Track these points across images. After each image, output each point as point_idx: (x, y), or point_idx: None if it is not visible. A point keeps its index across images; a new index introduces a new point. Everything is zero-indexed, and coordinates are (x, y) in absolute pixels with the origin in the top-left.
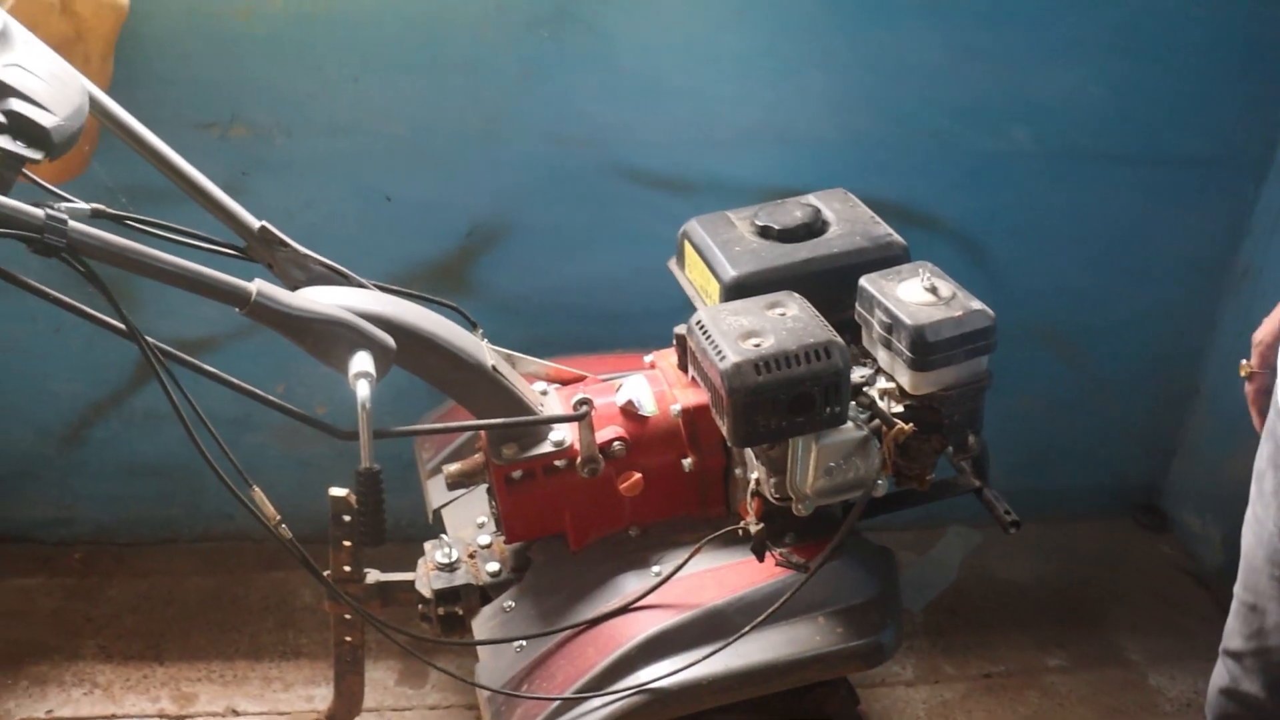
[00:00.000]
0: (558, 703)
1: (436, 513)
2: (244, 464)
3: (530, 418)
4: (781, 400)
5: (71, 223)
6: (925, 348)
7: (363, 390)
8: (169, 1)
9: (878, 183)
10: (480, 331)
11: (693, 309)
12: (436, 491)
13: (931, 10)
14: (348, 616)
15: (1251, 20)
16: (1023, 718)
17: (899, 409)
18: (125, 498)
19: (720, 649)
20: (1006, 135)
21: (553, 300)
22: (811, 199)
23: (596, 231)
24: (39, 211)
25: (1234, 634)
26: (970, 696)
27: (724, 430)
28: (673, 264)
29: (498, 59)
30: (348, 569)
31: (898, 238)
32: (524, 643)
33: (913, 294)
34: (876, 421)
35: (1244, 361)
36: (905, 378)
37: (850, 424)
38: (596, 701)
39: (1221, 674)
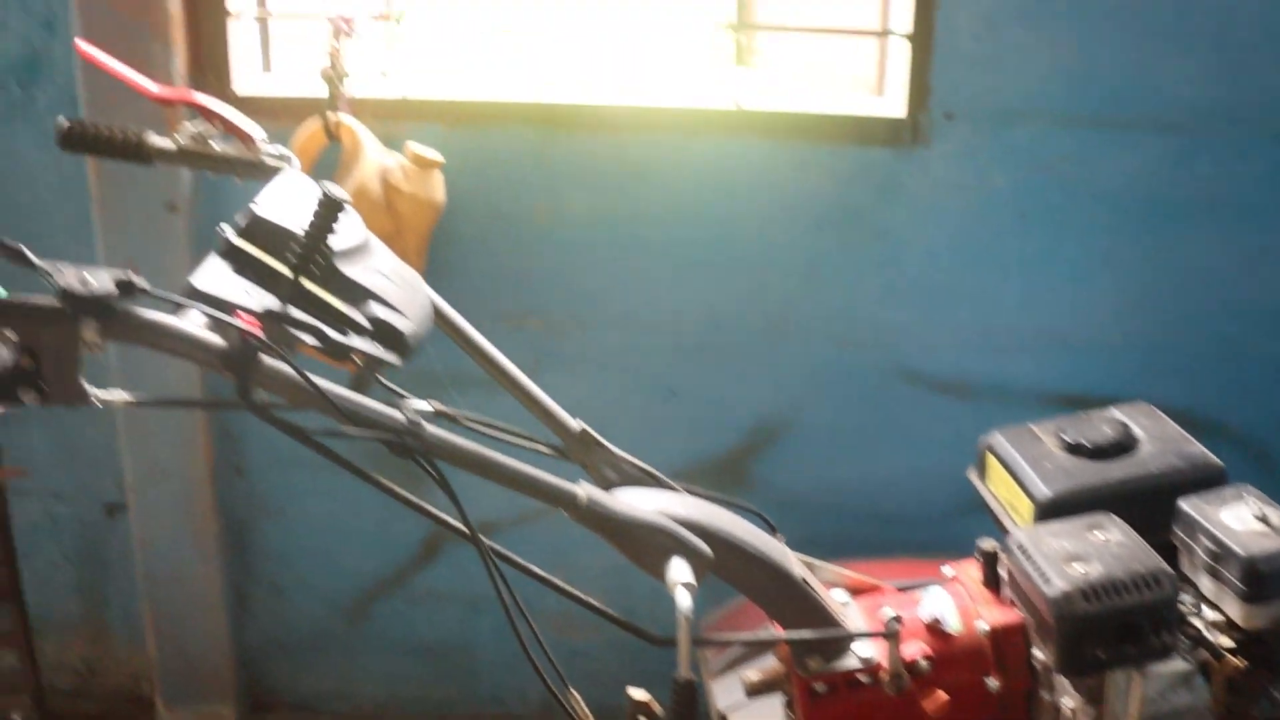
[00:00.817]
0: None
1: (722, 716)
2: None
3: (841, 631)
4: (1110, 629)
5: (428, 427)
6: (1260, 580)
7: (683, 599)
8: (474, 200)
9: (1164, 389)
10: (782, 537)
11: (977, 517)
12: (723, 692)
13: (1216, 211)
14: None
15: None
16: None
17: (1228, 642)
18: (403, 675)
19: None
20: None
21: (830, 500)
22: (1116, 413)
23: (876, 432)
24: (401, 416)
25: None
26: None
27: (1046, 657)
28: (972, 474)
29: (784, 259)
30: None
31: (1214, 458)
32: None
33: (1240, 521)
34: (1204, 654)
35: None
36: (1235, 610)
37: (1176, 656)
38: None
39: None
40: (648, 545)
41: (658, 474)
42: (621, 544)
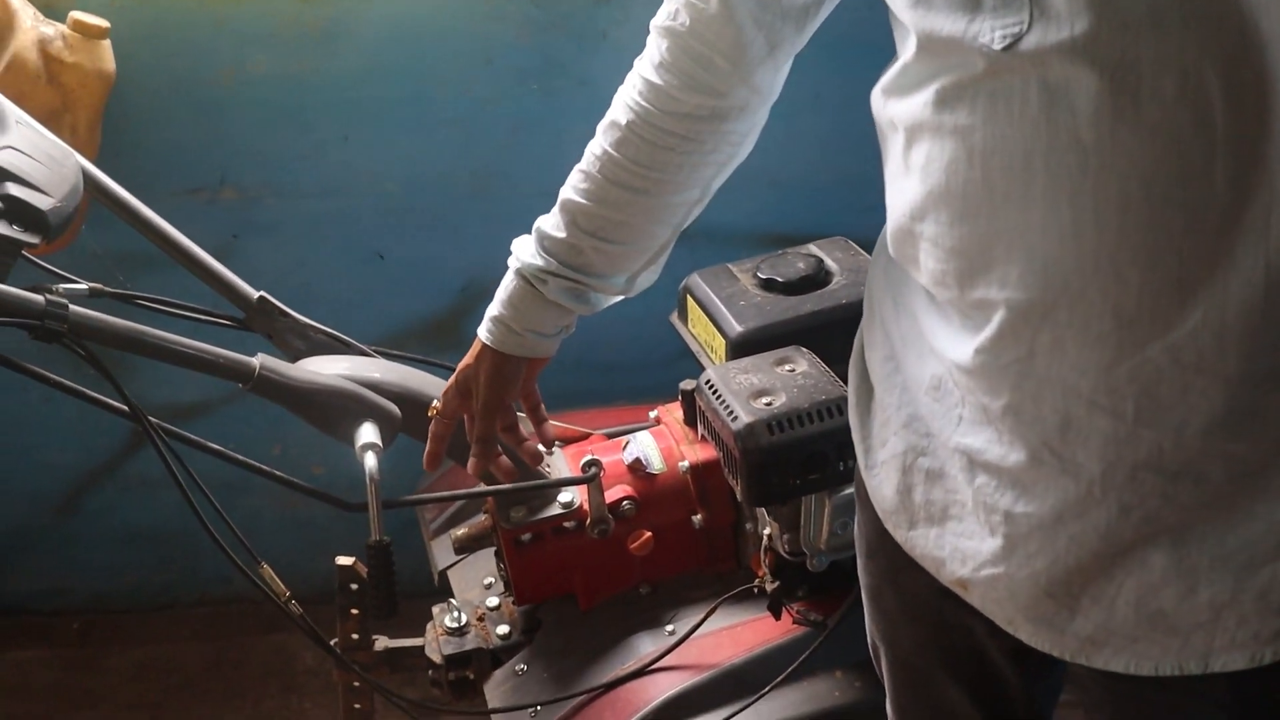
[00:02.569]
0: None
1: (442, 574)
2: (241, 527)
3: (539, 481)
4: (796, 459)
5: (72, 307)
6: None
7: (370, 462)
8: (153, 68)
9: (872, 225)
10: None
11: (691, 361)
12: (441, 553)
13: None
14: (357, 685)
15: None
16: None
17: None
18: (121, 566)
19: (740, 709)
20: None
21: None
22: (813, 249)
23: None
24: (39, 298)
25: None
26: None
27: (737, 490)
28: (674, 318)
29: (487, 114)
30: (355, 637)
31: None
32: (539, 707)
33: None
34: None
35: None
36: None
37: None
38: None
39: None
40: (333, 411)
41: (347, 339)
42: (307, 413)
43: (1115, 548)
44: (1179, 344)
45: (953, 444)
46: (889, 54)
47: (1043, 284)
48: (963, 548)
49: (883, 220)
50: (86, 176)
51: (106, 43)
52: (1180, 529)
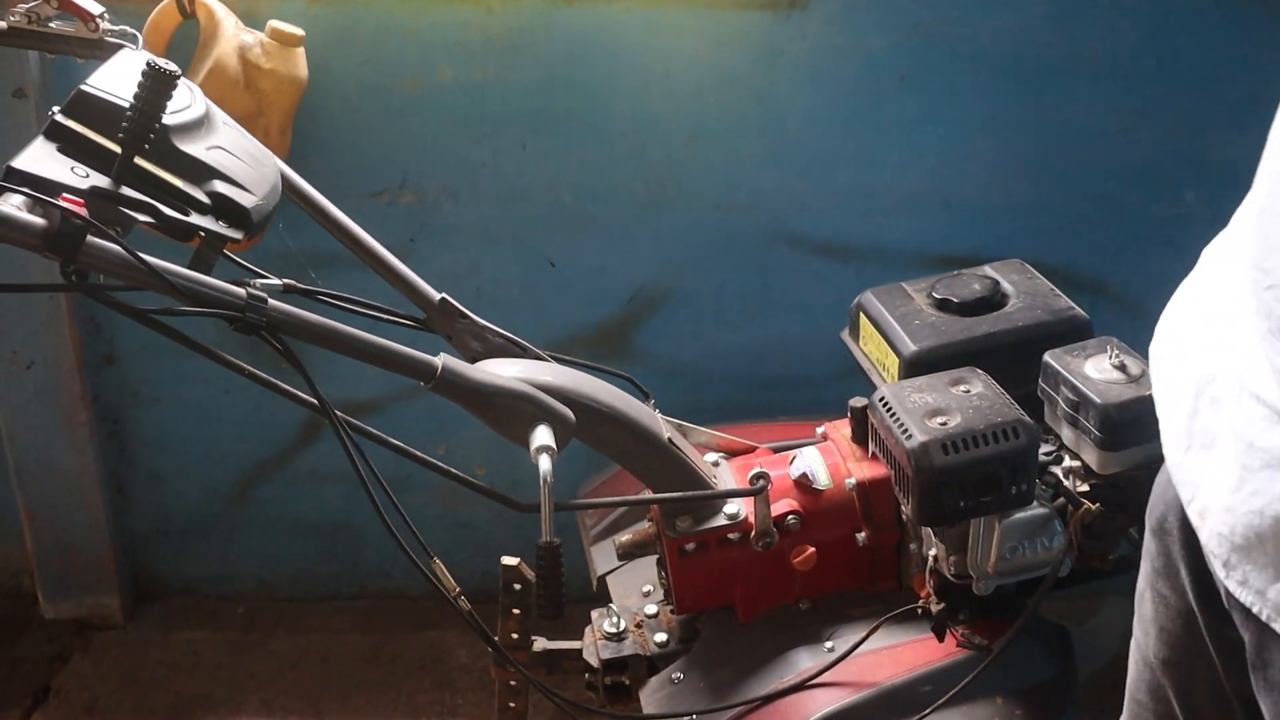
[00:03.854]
0: None
1: (601, 580)
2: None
3: (707, 492)
4: (969, 480)
5: (271, 301)
6: (1114, 427)
7: (544, 464)
8: (342, 75)
9: (1045, 249)
10: (653, 402)
11: (862, 378)
12: (601, 558)
13: (1097, 73)
14: (514, 683)
15: None
16: None
17: (1085, 488)
18: (286, 555)
19: None
20: (1176, 199)
21: (714, 367)
22: (989, 270)
23: (759, 298)
24: (241, 291)
25: None
26: None
27: (907, 509)
28: (845, 335)
29: (663, 126)
30: (515, 636)
31: (1080, 311)
32: (695, 717)
33: (1100, 371)
34: (1061, 500)
35: None
36: (1092, 456)
37: (1035, 503)
38: None
39: None
40: (510, 413)
41: (523, 343)
42: (484, 414)
43: None
44: None
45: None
46: (1062, 78)
47: None
48: (1215, 475)
49: (1056, 246)
50: (283, 177)
51: (301, 50)
52: None
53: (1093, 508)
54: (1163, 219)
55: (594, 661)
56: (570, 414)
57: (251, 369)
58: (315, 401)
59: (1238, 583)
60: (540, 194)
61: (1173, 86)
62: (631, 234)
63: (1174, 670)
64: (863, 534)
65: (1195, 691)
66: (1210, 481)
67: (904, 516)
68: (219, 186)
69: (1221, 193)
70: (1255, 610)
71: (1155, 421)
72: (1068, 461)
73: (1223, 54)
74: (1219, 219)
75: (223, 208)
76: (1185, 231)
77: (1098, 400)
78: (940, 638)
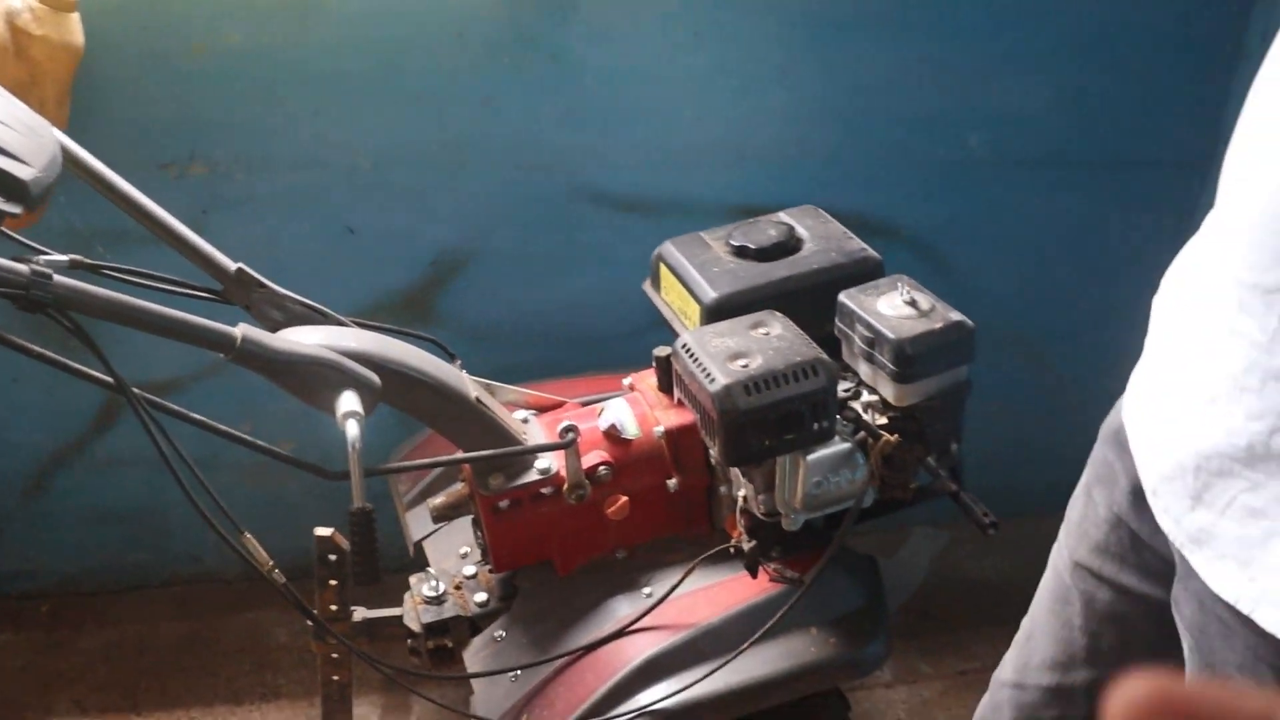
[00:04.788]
0: None
1: (418, 545)
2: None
3: (518, 448)
4: (771, 419)
5: (57, 277)
6: (908, 360)
7: (352, 430)
8: (123, 42)
9: (839, 196)
10: (459, 363)
11: (665, 330)
12: (416, 524)
13: (884, 24)
14: (335, 655)
15: (1191, 23)
16: None
17: (883, 421)
18: (90, 547)
19: (718, 667)
20: (962, 144)
21: (521, 326)
22: (784, 217)
23: (562, 256)
24: (23, 267)
25: (1007, 664)
26: (948, 694)
27: (714, 451)
28: (647, 286)
29: (459, 87)
30: (334, 608)
31: (872, 252)
32: (519, 672)
33: (893, 308)
34: (862, 434)
35: None
36: (889, 390)
37: (837, 438)
38: None
39: (985, 702)
40: (314, 380)
41: (325, 309)
42: (287, 383)
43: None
44: None
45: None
46: (850, 30)
47: None
48: (1158, 409)
49: (850, 193)
50: (63, 149)
51: (75, 15)
52: None
53: (891, 439)
54: (948, 163)
55: (415, 626)
56: (375, 378)
57: (39, 350)
58: (111, 380)
59: (1161, 510)
60: (337, 160)
61: (954, 37)
62: (431, 197)
63: (1085, 576)
64: (674, 480)
65: (1097, 600)
66: (1153, 415)
67: (712, 460)
68: None
69: (1001, 137)
70: (1171, 537)
71: (945, 353)
72: (866, 396)
73: (1001, 5)
74: (1001, 162)
75: None
76: (969, 175)
77: (891, 335)
78: (753, 575)
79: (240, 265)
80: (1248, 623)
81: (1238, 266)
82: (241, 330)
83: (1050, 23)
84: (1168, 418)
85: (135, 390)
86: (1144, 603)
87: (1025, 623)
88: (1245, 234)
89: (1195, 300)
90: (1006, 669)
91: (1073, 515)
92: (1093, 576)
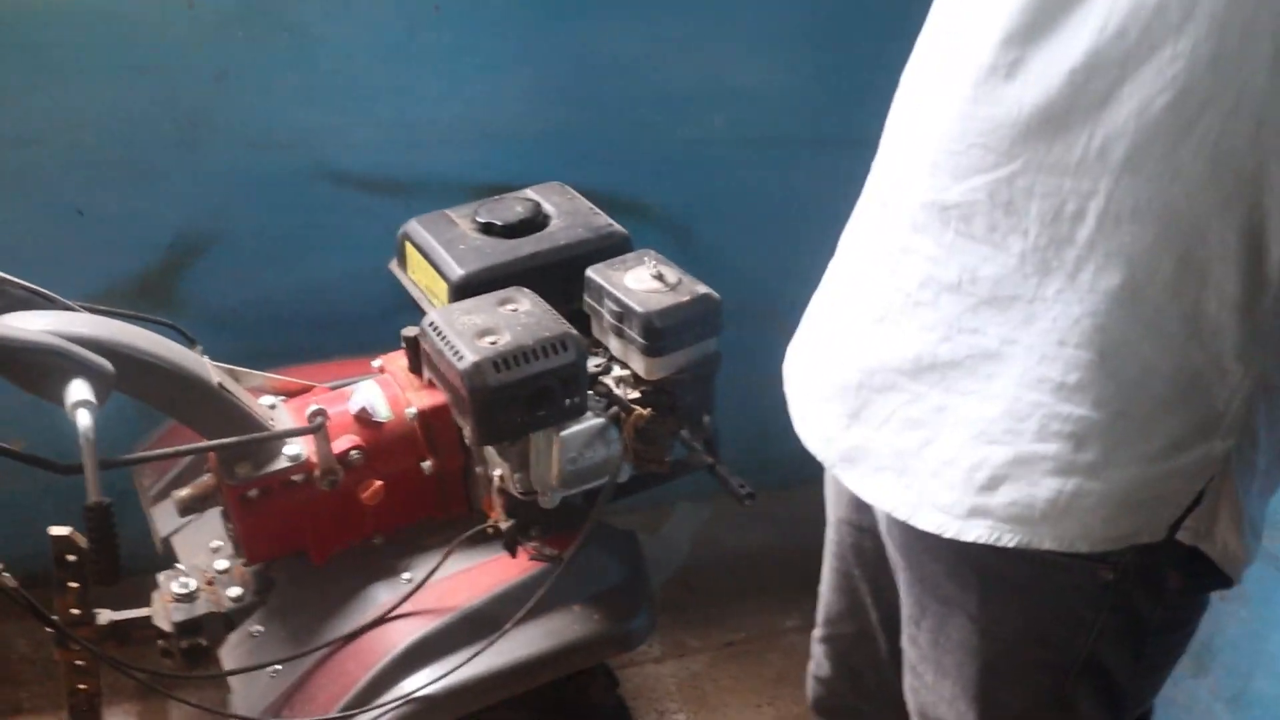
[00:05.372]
0: None
1: (165, 541)
2: None
3: (264, 433)
4: (522, 396)
5: None
6: (656, 334)
7: (84, 420)
8: None
9: (585, 174)
10: (200, 348)
11: (415, 311)
12: (163, 519)
13: (625, 3)
14: (81, 663)
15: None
16: (768, 679)
17: (635, 395)
18: None
19: (482, 649)
20: (705, 123)
21: (264, 311)
22: (530, 193)
23: (305, 238)
24: None
25: (817, 624)
26: (716, 665)
27: (466, 430)
28: (394, 266)
29: (190, 60)
30: (76, 611)
31: (619, 227)
32: (279, 667)
33: (640, 282)
34: (615, 409)
35: None
36: (639, 364)
37: (590, 413)
38: (362, 718)
39: (811, 662)
40: (39, 370)
41: (49, 293)
42: (9, 373)
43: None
44: None
45: None
46: (594, 8)
47: None
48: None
49: (597, 171)
50: None
51: None
52: (946, 380)
53: (644, 413)
54: (693, 141)
55: (166, 626)
56: (108, 365)
57: None
58: None
59: (808, 433)
60: (58, 136)
61: (697, 18)
62: (165, 176)
63: (846, 529)
64: (428, 463)
65: (864, 548)
66: (812, 344)
67: (467, 440)
68: None
69: (744, 117)
70: (821, 457)
71: (694, 326)
72: (617, 371)
73: None
74: (742, 141)
75: None
76: (713, 153)
77: (639, 309)
78: (513, 554)
79: None
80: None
81: (917, 190)
82: None
83: (784, 4)
84: (828, 343)
85: None
86: None
87: (821, 582)
88: (925, 160)
89: (864, 234)
90: (817, 628)
91: (828, 477)
92: (854, 528)
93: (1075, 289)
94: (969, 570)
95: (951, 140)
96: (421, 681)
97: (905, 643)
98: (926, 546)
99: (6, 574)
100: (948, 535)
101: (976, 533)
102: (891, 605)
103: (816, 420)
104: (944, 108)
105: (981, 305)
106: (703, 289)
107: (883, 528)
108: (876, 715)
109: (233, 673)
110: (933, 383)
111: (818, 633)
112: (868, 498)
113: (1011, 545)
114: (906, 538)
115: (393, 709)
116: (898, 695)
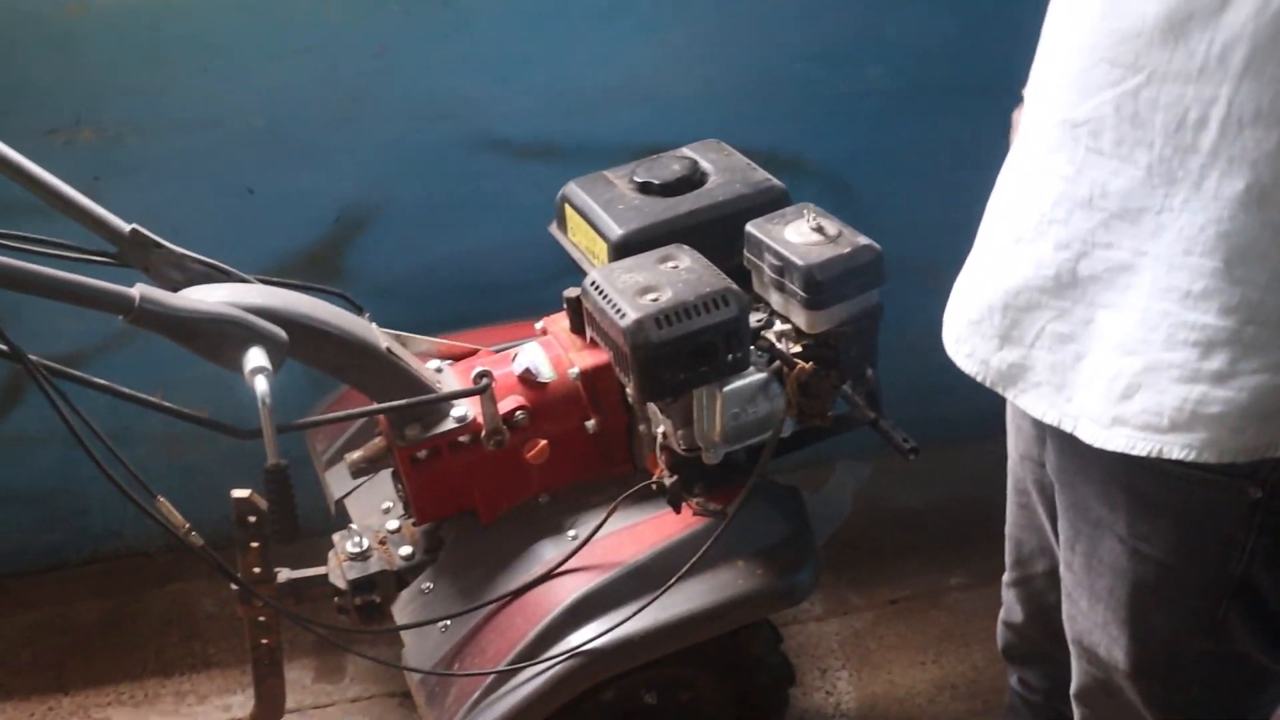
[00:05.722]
0: (492, 677)
1: (339, 503)
2: (129, 478)
3: (431, 395)
4: (684, 352)
5: None
6: (817, 286)
7: (261, 386)
8: None
9: (742, 132)
10: (368, 315)
11: (577, 273)
12: (336, 482)
13: None
14: (263, 619)
15: None
16: (932, 637)
17: (797, 349)
18: (3, 528)
19: (647, 604)
20: (862, 75)
21: (429, 278)
22: (687, 151)
23: (466, 206)
24: None
25: (1007, 569)
26: (880, 623)
27: (629, 387)
28: (554, 228)
29: (349, 38)
30: (258, 570)
31: (777, 182)
32: (449, 622)
33: (800, 235)
34: (777, 363)
35: None
36: (801, 318)
37: (752, 368)
38: (530, 671)
39: (1002, 610)
40: (219, 339)
41: (226, 267)
42: (192, 343)
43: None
44: None
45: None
46: None
47: None
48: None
49: (754, 128)
50: None
51: None
52: (1089, 294)
53: (806, 366)
54: (849, 95)
55: (341, 584)
56: (282, 333)
57: None
58: (5, 349)
59: (966, 355)
60: (229, 119)
61: None
62: (330, 152)
63: (1030, 467)
64: (592, 421)
65: (1046, 485)
66: (967, 274)
67: (629, 398)
68: None
69: (901, 68)
70: (980, 378)
71: (855, 278)
72: (779, 325)
73: None
74: (900, 92)
75: None
76: (870, 105)
77: (800, 262)
78: (677, 510)
79: (134, 226)
80: (1089, 449)
81: (1054, 108)
82: (140, 290)
83: None
84: (976, 267)
85: (33, 358)
86: None
87: (1006, 527)
88: (1061, 78)
89: (1015, 158)
90: (1007, 573)
91: (1008, 415)
92: (1033, 462)
93: (1200, 197)
94: (1117, 489)
95: (1081, 57)
96: (587, 635)
97: (1062, 569)
98: (1079, 468)
99: (194, 533)
100: (1096, 445)
101: (1116, 442)
102: None
103: (969, 341)
104: (1076, 27)
105: (1113, 219)
106: (863, 240)
107: (1046, 455)
108: (1068, 660)
109: (405, 627)
110: (1076, 298)
111: (1008, 577)
112: (1034, 412)
113: (1143, 454)
114: (1061, 460)
115: (559, 662)
116: None
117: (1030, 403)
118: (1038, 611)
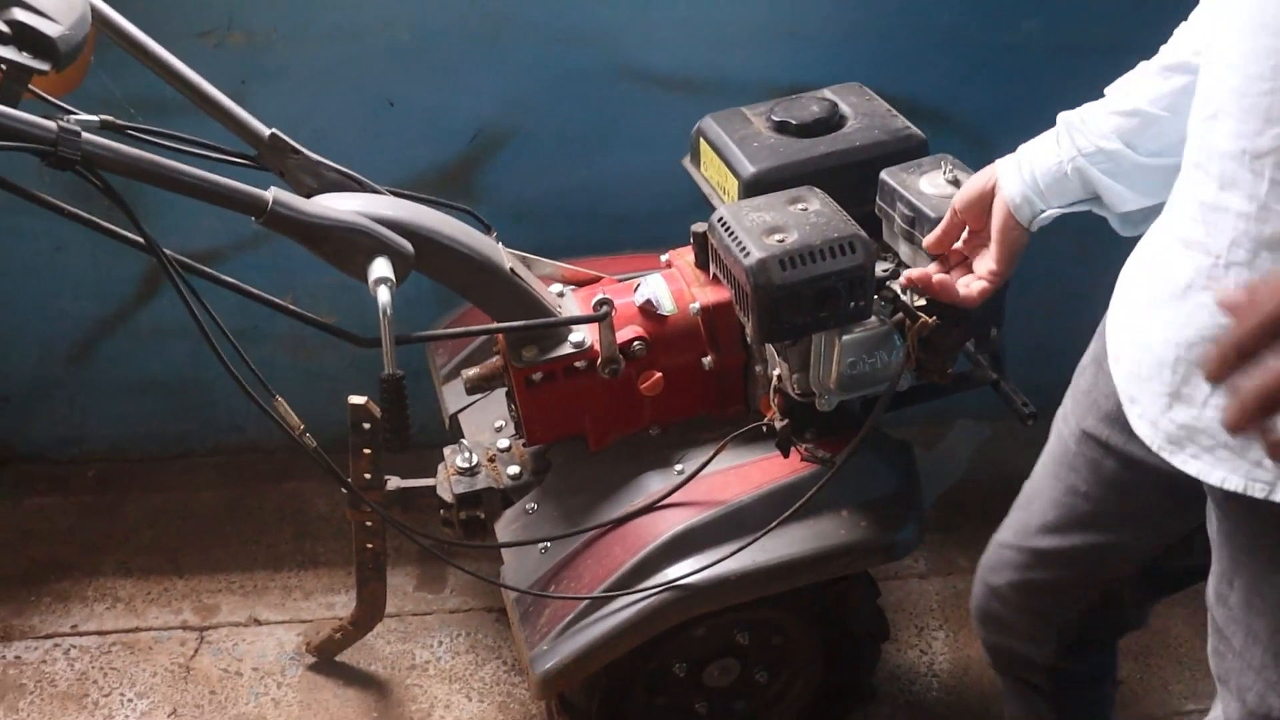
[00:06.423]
0: (586, 602)
1: (453, 418)
2: (251, 377)
3: (550, 319)
4: (806, 296)
5: (85, 135)
6: None
7: (383, 296)
8: None
9: (886, 77)
10: (495, 234)
11: (708, 208)
12: (452, 397)
13: None
14: (369, 524)
15: None
16: None
17: (922, 303)
18: (136, 414)
19: (746, 545)
20: (1017, 27)
21: (560, 204)
22: (827, 93)
23: (603, 133)
24: (51, 124)
25: (1007, 526)
26: None
27: (748, 327)
28: (687, 162)
29: None
30: (368, 476)
31: (916, 130)
32: (549, 544)
33: (935, 186)
34: (899, 315)
35: None
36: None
37: (874, 318)
38: (624, 600)
39: (984, 561)
40: (347, 246)
41: (359, 177)
42: (321, 248)
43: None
44: None
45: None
46: None
47: None
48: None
49: (899, 74)
50: (97, 12)
51: None
52: None
53: (930, 321)
54: (1002, 48)
55: (448, 497)
56: (409, 246)
57: (72, 209)
58: (141, 240)
59: (1137, 415)
60: (376, 32)
61: None
62: (472, 71)
63: (1093, 444)
64: (709, 358)
65: (1104, 468)
66: (1129, 313)
67: (747, 337)
68: (19, 14)
69: (1059, 23)
70: (1148, 440)
71: None
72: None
73: None
74: (1055, 48)
75: (25, 37)
76: (1022, 60)
77: (932, 215)
78: (785, 454)
79: (274, 130)
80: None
81: (1224, 139)
82: (273, 193)
83: None
84: (1141, 316)
85: (167, 252)
86: (1151, 473)
87: (1026, 487)
88: (1232, 105)
89: (1174, 197)
90: (1006, 531)
91: (1081, 384)
92: (1100, 445)
93: None
94: None
95: (1260, 79)
96: (684, 570)
97: (1212, 602)
98: (1247, 509)
99: (308, 435)
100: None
101: None
102: (1104, 533)
103: (1142, 402)
104: (1248, 42)
105: None
106: None
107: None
108: (1024, 638)
109: (506, 545)
110: None
111: (1006, 538)
112: (1210, 479)
113: None
114: (1226, 522)
115: (654, 593)
116: (1063, 627)
117: (1204, 469)
118: (1022, 583)
